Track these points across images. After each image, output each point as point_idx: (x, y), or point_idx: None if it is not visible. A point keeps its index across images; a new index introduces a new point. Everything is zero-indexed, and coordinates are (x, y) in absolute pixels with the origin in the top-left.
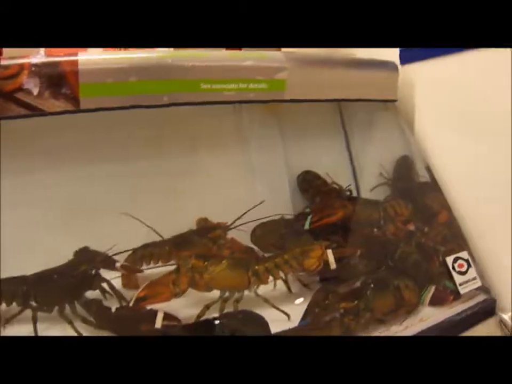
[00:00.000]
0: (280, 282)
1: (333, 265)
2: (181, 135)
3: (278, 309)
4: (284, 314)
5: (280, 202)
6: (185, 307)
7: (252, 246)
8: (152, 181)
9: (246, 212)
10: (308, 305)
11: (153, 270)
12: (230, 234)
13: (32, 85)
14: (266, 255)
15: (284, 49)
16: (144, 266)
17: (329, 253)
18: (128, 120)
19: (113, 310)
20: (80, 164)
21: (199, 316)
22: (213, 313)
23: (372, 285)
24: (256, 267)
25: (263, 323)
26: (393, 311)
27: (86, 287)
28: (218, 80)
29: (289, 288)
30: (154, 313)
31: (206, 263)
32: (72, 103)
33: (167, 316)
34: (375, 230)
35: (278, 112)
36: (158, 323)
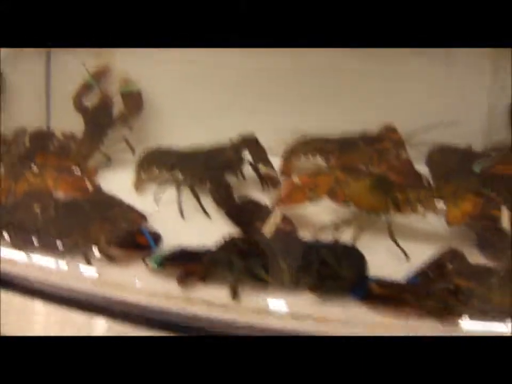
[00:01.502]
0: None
1: (506, 225)
2: None
3: (398, 246)
4: (403, 254)
5: (475, 126)
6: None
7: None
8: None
9: (432, 127)
10: (427, 263)
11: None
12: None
13: None
14: (433, 183)
15: None
16: (303, 159)
17: (503, 211)
18: None
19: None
20: None
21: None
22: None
23: None
24: (397, 194)
25: (361, 263)
26: None
27: (229, 169)
28: None
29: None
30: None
31: (348, 177)
32: None
33: (284, 218)
34: None
35: None
36: (274, 222)
